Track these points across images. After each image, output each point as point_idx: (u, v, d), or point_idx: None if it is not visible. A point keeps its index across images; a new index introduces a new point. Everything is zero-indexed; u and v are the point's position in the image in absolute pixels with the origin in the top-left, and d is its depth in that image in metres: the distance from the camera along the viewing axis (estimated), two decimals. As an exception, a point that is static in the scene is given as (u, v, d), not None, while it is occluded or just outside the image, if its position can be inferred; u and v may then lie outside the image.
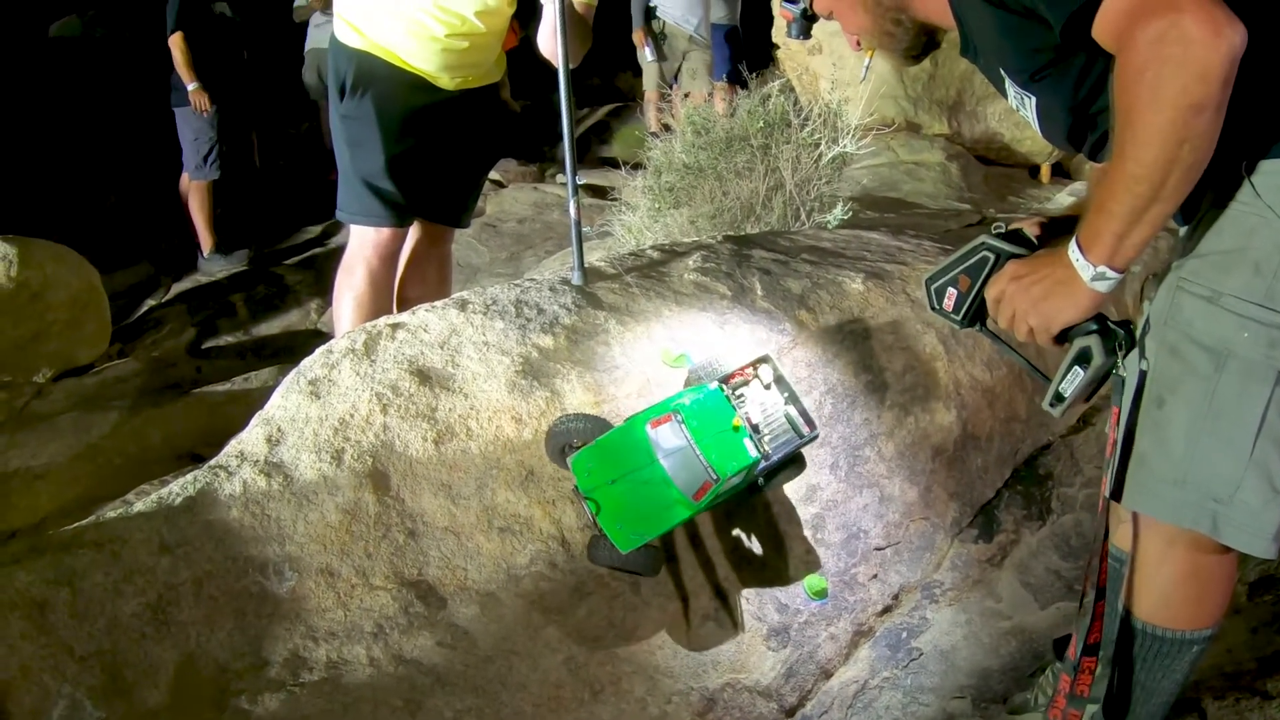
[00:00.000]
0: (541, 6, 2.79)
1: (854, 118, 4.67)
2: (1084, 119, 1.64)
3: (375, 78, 3.07)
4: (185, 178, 7.25)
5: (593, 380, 2.40)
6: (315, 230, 7.83)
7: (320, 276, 6.72)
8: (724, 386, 2.16)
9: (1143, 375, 1.63)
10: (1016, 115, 6.90)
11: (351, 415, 2.27)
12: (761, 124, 4.48)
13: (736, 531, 2.40)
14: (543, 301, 2.57)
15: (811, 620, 2.39)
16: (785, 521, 2.46)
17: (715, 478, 1.98)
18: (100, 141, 8.46)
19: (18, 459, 4.03)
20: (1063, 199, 6.37)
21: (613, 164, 7.11)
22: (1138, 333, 1.65)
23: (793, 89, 5.88)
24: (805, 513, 2.48)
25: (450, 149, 3.29)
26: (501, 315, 2.50)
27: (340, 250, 3.45)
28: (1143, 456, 1.64)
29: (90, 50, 9.17)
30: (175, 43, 6.90)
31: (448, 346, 2.41)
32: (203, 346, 6.08)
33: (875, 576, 2.54)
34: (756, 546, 2.41)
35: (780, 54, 7.91)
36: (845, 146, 4.55)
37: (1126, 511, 1.75)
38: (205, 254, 7.21)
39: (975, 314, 1.75)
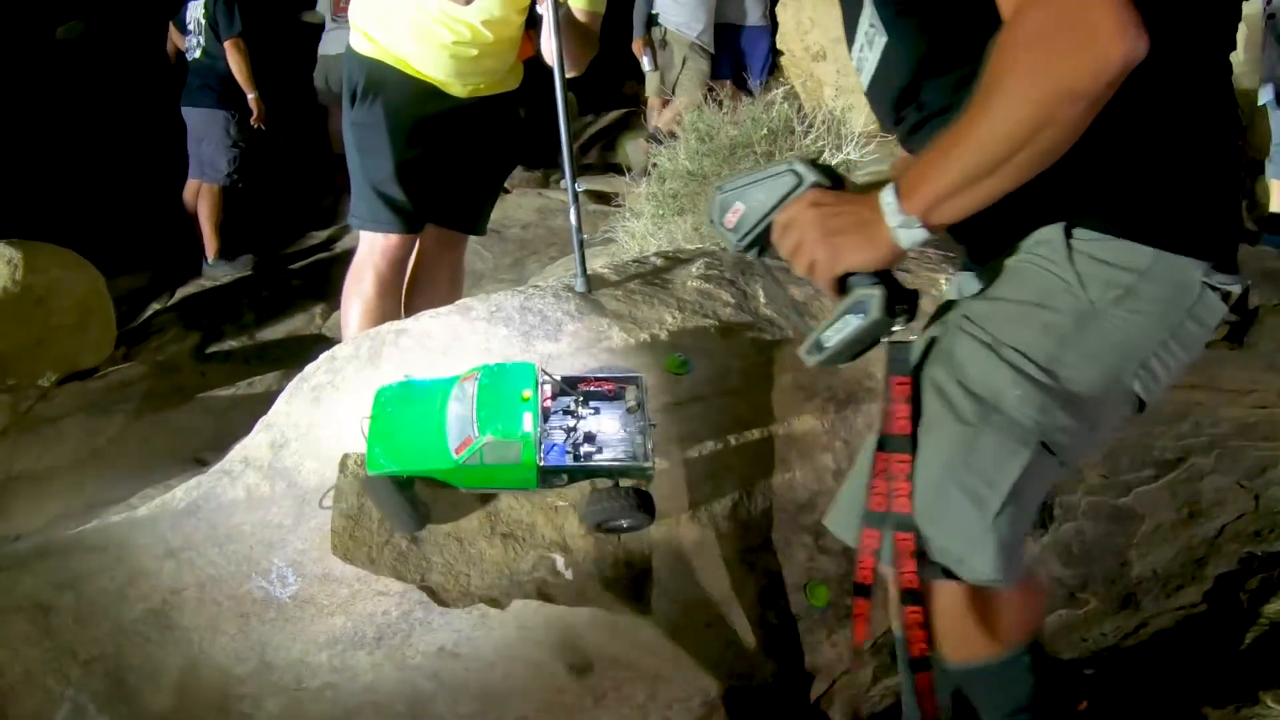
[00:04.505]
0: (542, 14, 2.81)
1: (858, 124, 4.68)
2: (916, 87, 1.54)
3: (386, 85, 3.08)
4: (193, 182, 7.23)
5: (595, 387, 2.41)
6: (320, 235, 7.83)
7: (324, 281, 6.72)
8: (546, 371, 2.16)
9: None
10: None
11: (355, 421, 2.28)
12: (765, 131, 4.49)
13: (738, 538, 2.40)
14: (546, 308, 2.58)
15: (813, 627, 2.39)
16: (788, 528, 2.46)
17: (474, 435, 1.99)
18: (105, 145, 8.47)
19: (22, 462, 4.05)
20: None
21: (617, 170, 7.11)
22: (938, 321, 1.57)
23: (796, 96, 5.89)
24: (807, 520, 2.49)
25: (463, 156, 3.30)
26: (506, 322, 2.51)
27: (344, 255, 3.47)
28: None
29: (95, 53, 9.18)
30: (239, 46, 6.84)
31: (451, 352, 2.42)
32: (207, 351, 6.09)
33: (877, 584, 2.54)
34: (759, 553, 2.41)
35: (784, 60, 7.91)
36: (849, 153, 4.55)
37: None
38: (210, 259, 7.19)
39: (758, 239, 1.57)
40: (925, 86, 1.53)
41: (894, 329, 1.46)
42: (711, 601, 2.31)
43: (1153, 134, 1.41)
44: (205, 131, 7.11)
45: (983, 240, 1.59)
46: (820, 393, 2.61)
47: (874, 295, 1.42)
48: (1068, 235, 1.43)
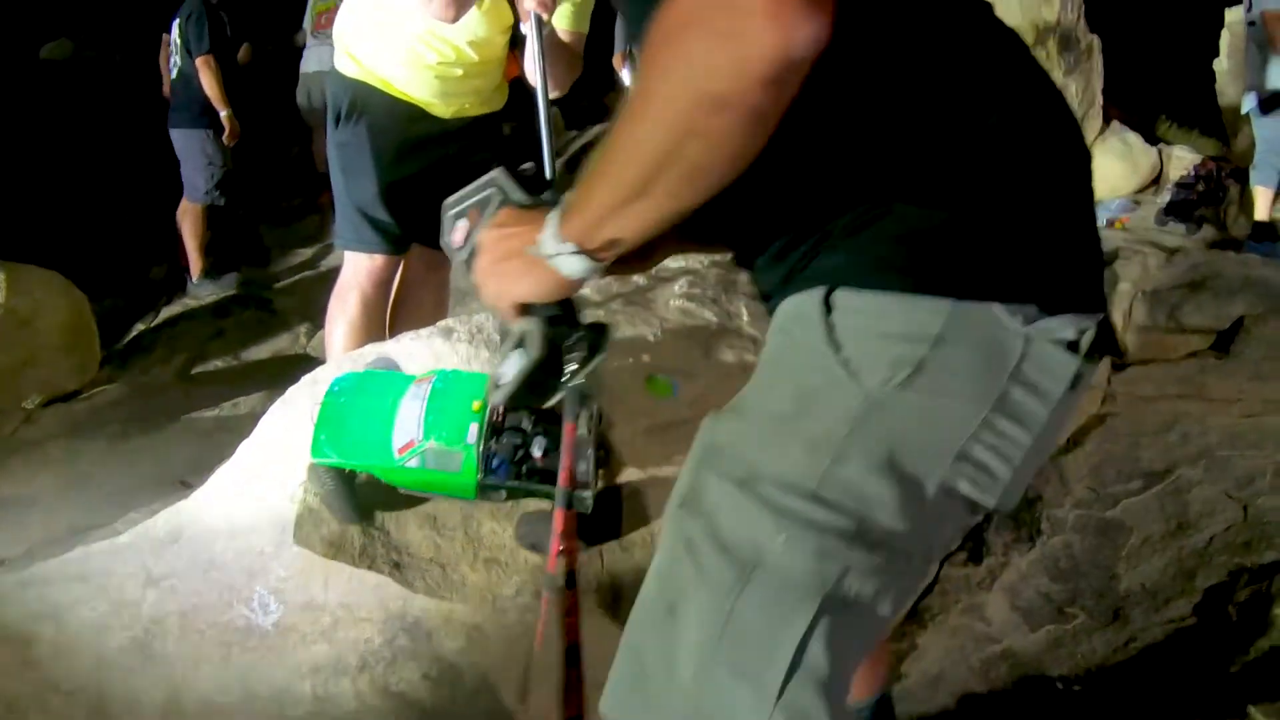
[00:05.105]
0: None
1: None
2: None
3: (370, 106, 3.07)
4: (184, 202, 7.18)
5: (579, 408, 2.40)
6: (305, 254, 7.81)
7: (309, 301, 6.69)
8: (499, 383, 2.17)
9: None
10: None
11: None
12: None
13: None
14: (529, 329, 2.57)
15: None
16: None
17: (417, 438, 1.99)
18: (90, 166, 8.45)
19: (6, 486, 4.02)
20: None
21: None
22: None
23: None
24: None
25: (448, 177, 3.27)
26: (487, 343, 2.50)
27: (329, 274, 3.45)
28: (645, 667, 1.17)
29: (81, 72, 9.16)
30: (209, 64, 6.76)
31: (433, 375, 2.42)
32: (191, 372, 6.05)
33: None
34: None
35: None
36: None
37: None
38: (195, 279, 7.15)
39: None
40: None
41: (570, 368, 1.27)
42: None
43: (924, 145, 1.07)
44: (186, 151, 7.07)
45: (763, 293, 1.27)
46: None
47: (532, 332, 1.21)
48: (826, 306, 1.07)
